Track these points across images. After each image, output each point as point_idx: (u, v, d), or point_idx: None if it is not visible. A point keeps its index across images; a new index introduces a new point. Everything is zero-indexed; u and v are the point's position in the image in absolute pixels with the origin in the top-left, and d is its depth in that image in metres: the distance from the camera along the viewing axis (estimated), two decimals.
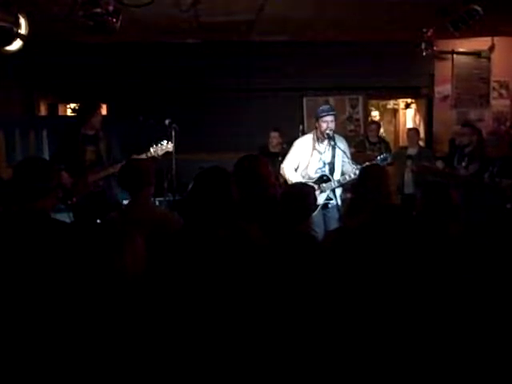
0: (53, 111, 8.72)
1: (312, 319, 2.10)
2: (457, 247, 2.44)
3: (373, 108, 10.81)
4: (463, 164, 6.08)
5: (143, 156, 4.97)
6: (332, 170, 4.99)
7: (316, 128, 5.07)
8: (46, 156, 6.54)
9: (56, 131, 6.69)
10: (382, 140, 7.91)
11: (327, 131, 4.91)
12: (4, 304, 2.10)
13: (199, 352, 1.93)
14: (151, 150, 4.97)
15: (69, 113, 9.32)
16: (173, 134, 5.18)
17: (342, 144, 5.03)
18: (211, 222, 2.35)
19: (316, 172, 5.00)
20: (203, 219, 2.39)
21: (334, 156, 4.99)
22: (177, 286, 2.20)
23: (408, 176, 7.18)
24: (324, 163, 5.01)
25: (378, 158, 4.94)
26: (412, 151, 7.23)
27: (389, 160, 4.96)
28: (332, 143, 4.96)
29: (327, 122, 4.91)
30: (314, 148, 5.02)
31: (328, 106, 5.15)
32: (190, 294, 2.11)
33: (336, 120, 5.10)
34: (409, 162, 7.12)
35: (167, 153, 5.06)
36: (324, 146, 5.01)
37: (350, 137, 8.09)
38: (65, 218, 4.50)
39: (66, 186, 4.92)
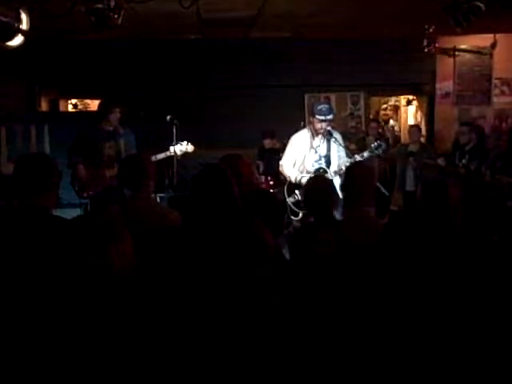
0: (54, 107, 8.72)
1: (318, 318, 2.11)
2: (456, 245, 2.44)
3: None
4: (464, 161, 6.09)
5: (162, 155, 5.08)
6: (328, 163, 5.03)
7: (310, 123, 5.11)
8: (48, 152, 6.55)
9: (57, 127, 6.71)
10: (382, 136, 7.93)
11: (320, 131, 4.95)
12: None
13: (202, 350, 1.94)
14: (171, 149, 5.07)
15: (70, 108, 9.33)
16: (174, 129, 5.20)
17: (337, 136, 5.06)
18: (216, 218, 2.34)
19: (313, 165, 5.04)
20: (208, 216, 2.38)
21: (329, 149, 5.02)
22: (181, 282, 2.20)
23: (409, 173, 7.18)
24: (320, 156, 5.05)
25: (372, 145, 4.97)
26: (413, 148, 7.23)
27: (383, 147, 4.97)
28: (327, 137, 4.98)
29: (321, 124, 4.92)
30: (309, 142, 5.06)
31: (327, 107, 4.98)
32: (194, 291, 2.11)
33: (335, 117, 5.16)
34: (410, 159, 7.12)
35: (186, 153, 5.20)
36: (319, 140, 5.05)
37: (350, 133, 8.12)
38: (77, 213, 4.54)
39: (82, 179, 4.99)
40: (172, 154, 5.15)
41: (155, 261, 2.37)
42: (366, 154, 4.88)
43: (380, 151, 4.93)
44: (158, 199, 6.12)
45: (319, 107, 4.97)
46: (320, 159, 5.05)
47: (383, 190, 4.79)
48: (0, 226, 2.26)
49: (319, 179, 3.43)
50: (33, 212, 2.26)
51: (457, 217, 2.71)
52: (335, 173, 4.93)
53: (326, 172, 4.98)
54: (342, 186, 3.25)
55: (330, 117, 4.94)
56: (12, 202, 2.44)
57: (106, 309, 1.88)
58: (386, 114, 9.94)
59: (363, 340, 1.99)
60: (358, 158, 4.86)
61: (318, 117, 4.92)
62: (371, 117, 8.98)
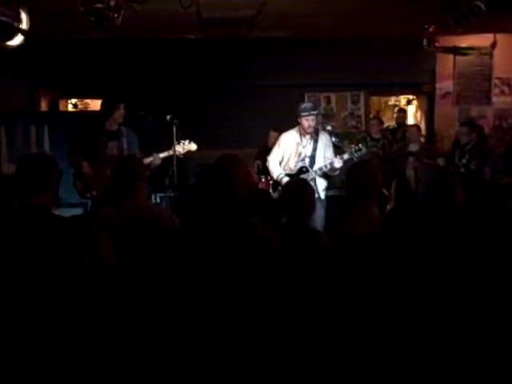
0: (54, 107, 8.72)
1: (320, 317, 2.10)
2: (460, 244, 2.43)
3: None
4: (464, 161, 6.09)
5: (165, 154, 5.09)
6: (312, 163, 5.16)
7: (298, 123, 5.22)
8: (47, 151, 6.54)
9: (57, 126, 6.70)
10: (385, 136, 7.76)
11: (309, 130, 5.08)
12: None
13: (204, 350, 1.93)
14: (173, 147, 5.07)
15: (70, 108, 9.32)
16: (174, 129, 5.19)
17: (324, 138, 5.22)
18: (218, 219, 2.32)
19: (296, 164, 5.18)
20: (209, 216, 2.35)
21: (315, 149, 5.16)
22: (184, 283, 2.19)
23: (409, 173, 7.17)
24: (305, 156, 5.18)
25: (352, 148, 5.07)
26: (413, 148, 7.22)
27: (363, 151, 5.05)
28: (314, 137, 5.15)
29: (308, 121, 5.06)
30: (296, 142, 5.20)
31: (310, 105, 5.22)
32: (195, 292, 2.10)
33: (317, 117, 5.25)
34: (410, 159, 7.11)
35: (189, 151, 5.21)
36: (306, 140, 5.19)
37: (351, 133, 8.11)
38: (78, 213, 4.53)
39: (87, 177, 4.95)
40: (175, 153, 5.14)
41: (153, 261, 2.36)
42: (345, 157, 5.04)
43: (360, 154, 5.03)
44: (158, 199, 6.13)
45: (303, 106, 5.18)
46: (304, 159, 5.18)
47: (383, 190, 4.81)
48: (1, 226, 2.27)
49: (301, 182, 3.41)
50: (33, 211, 2.27)
51: (463, 215, 2.71)
52: (315, 172, 5.09)
53: (307, 171, 5.13)
54: (346, 185, 3.24)
55: (314, 112, 5.11)
56: (12, 201, 2.44)
57: (94, 307, 1.89)
58: (401, 116, 8.62)
59: (365, 338, 1.99)
60: (336, 161, 5.00)
61: (302, 114, 5.06)
62: (371, 115, 8.87)
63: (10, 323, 2.07)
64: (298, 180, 4.24)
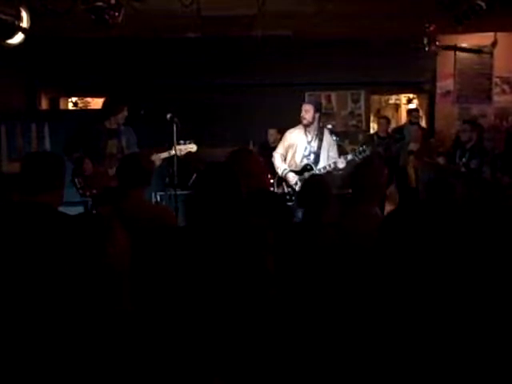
0: (54, 105, 8.73)
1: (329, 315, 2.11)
2: (461, 243, 2.42)
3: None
4: (464, 160, 6.09)
5: (165, 154, 5.08)
6: (317, 160, 5.23)
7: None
8: (48, 150, 6.55)
9: (57, 125, 6.71)
10: (391, 135, 7.73)
11: (303, 120, 5.20)
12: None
13: (213, 348, 1.94)
14: (173, 147, 5.06)
15: (70, 107, 9.33)
16: (174, 128, 5.18)
17: (329, 137, 5.31)
18: (222, 218, 2.31)
19: (302, 160, 5.25)
20: (214, 215, 2.34)
21: (319, 147, 5.24)
22: (181, 284, 2.19)
23: (410, 171, 7.18)
24: (310, 152, 5.25)
25: (357, 149, 5.18)
26: (414, 147, 7.22)
27: (367, 153, 5.08)
28: (319, 135, 5.24)
29: (302, 110, 5.24)
30: (302, 138, 5.28)
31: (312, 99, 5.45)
32: (194, 293, 2.10)
33: (312, 113, 5.25)
34: (410, 158, 7.11)
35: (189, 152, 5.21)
36: (311, 137, 5.26)
37: (351, 132, 8.11)
38: (78, 211, 4.51)
39: (87, 174, 4.93)
40: (176, 153, 5.13)
41: (154, 259, 2.36)
42: (349, 157, 5.13)
43: (363, 155, 5.10)
44: (158, 198, 6.13)
45: None
46: (309, 155, 5.24)
47: None
48: (5, 223, 2.26)
49: (318, 179, 3.42)
50: (37, 209, 2.26)
51: (464, 214, 2.71)
52: (319, 171, 5.14)
53: (312, 169, 5.18)
54: (351, 183, 3.24)
55: (305, 102, 5.41)
56: (9, 199, 2.44)
57: (105, 305, 1.88)
58: (416, 116, 8.30)
59: (364, 336, 1.99)
60: (340, 161, 5.09)
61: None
62: (374, 114, 8.85)
63: (20, 320, 2.07)
64: (316, 176, 4.26)
